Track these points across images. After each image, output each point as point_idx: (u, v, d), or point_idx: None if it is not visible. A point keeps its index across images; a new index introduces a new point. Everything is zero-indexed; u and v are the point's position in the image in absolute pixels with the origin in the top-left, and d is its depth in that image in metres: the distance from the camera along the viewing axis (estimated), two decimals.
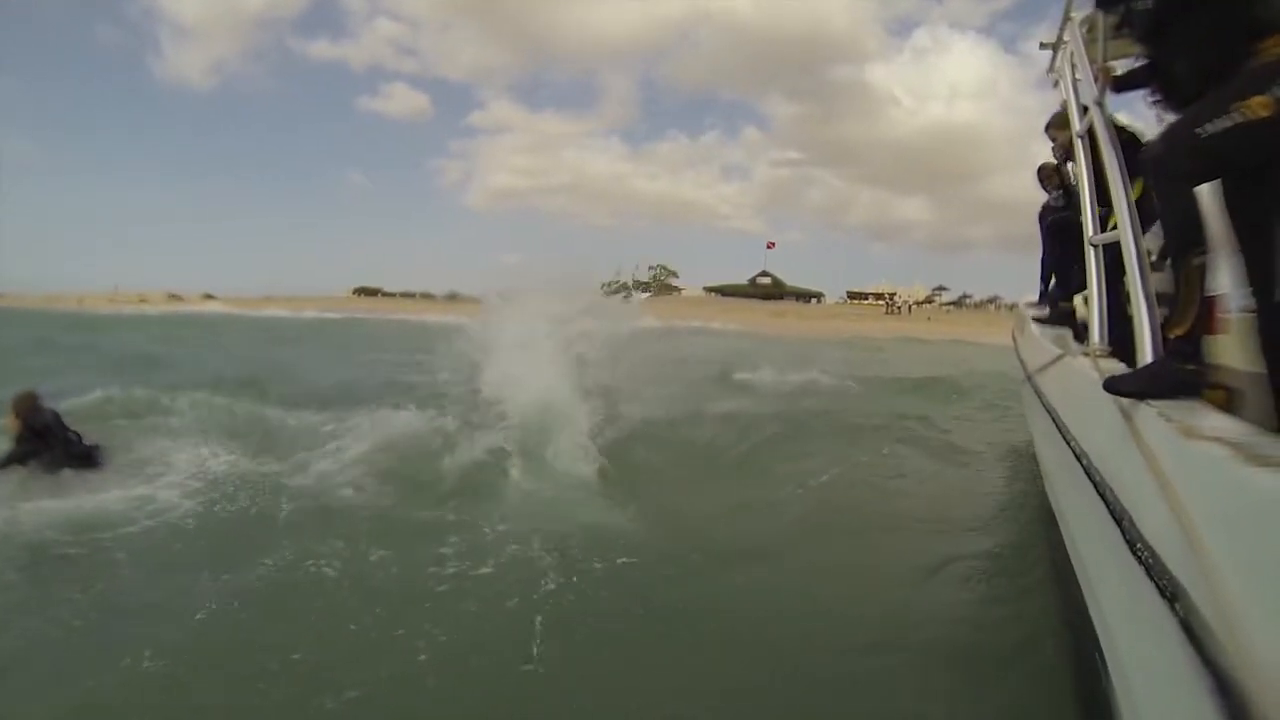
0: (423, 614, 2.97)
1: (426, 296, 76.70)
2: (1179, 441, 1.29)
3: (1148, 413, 1.53)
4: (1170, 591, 1.21)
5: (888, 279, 75.06)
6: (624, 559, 3.57)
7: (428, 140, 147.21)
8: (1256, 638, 0.93)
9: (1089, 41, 3.18)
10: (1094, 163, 2.77)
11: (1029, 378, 3.88)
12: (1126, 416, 1.64)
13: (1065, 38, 3.96)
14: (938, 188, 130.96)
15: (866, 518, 4.47)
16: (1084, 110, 2.98)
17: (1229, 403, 1.86)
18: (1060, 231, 4.26)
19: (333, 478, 4.83)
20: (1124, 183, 2.34)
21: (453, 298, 75.18)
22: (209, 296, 73.60)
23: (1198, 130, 1.71)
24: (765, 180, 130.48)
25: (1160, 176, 1.83)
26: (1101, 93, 2.79)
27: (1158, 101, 2.37)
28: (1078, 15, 3.59)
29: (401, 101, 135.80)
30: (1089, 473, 1.97)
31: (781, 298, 70.07)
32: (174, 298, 74.17)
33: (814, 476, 5.26)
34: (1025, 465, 5.50)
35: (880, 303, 68.16)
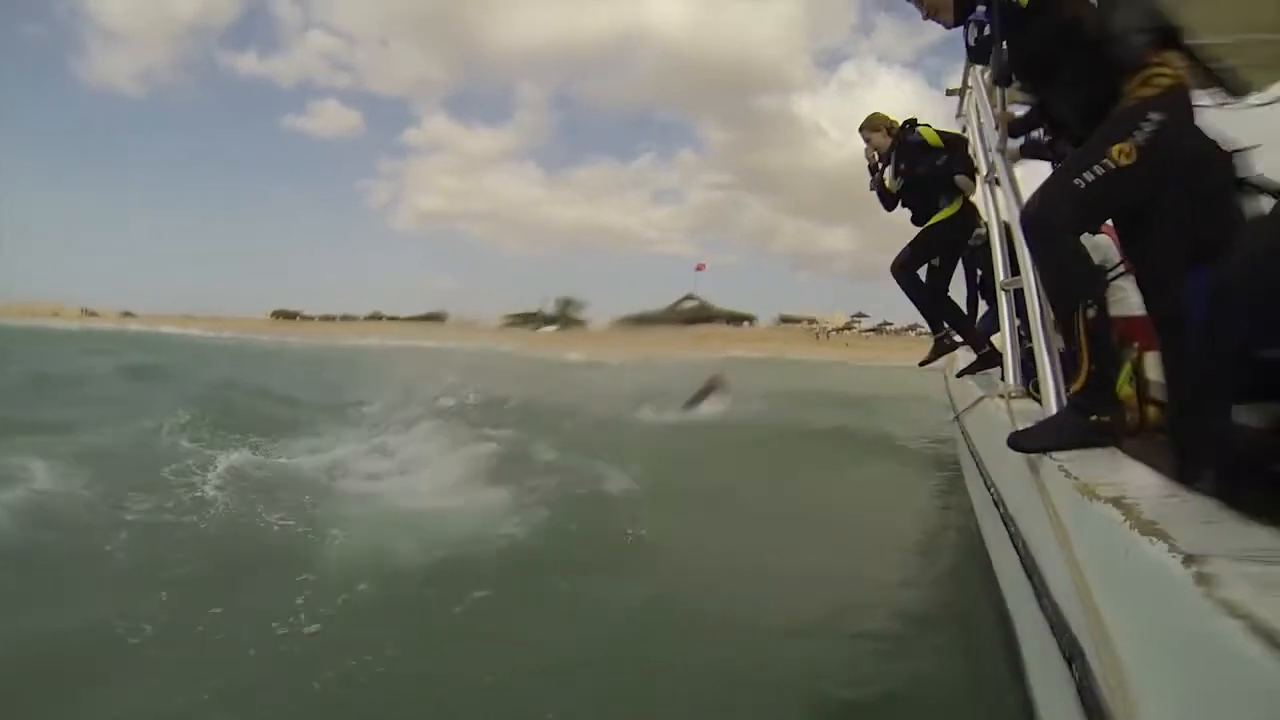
0: (242, 678, 2.64)
1: (348, 319, 75.43)
2: (1077, 499, 1.27)
3: (1050, 466, 1.50)
4: (1069, 652, 1.20)
5: (813, 305, 77.00)
6: (482, 596, 3.29)
7: (357, 159, 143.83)
8: (1144, 710, 0.91)
9: (991, 87, 3.16)
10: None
11: (957, 417, 3.85)
12: (1033, 468, 1.62)
13: (969, 83, 3.96)
14: (862, 218, 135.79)
15: (801, 555, 4.22)
16: (989, 156, 3.00)
17: (1162, 418, 1.92)
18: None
19: (183, 513, 4.39)
20: None
21: (375, 317, 74.61)
22: (128, 314, 69.75)
23: (1075, 182, 1.71)
24: (699, 203, 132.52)
25: (1040, 231, 1.80)
26: (1003, 139, 2.82)
27: (1051, 141, 2.41)
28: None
29: (332, 119, 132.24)
30: (1005, 521, 1.95)
31: (710, 320, 68.91)
32: (89, 314, 69.78)
33: (724, 516, 4.95)
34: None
35: (813, 327, 69.90)
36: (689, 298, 73.46)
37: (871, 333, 73.04)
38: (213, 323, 55.05)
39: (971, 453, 3.08)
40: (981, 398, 2.98)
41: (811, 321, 72.72)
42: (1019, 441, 1.69)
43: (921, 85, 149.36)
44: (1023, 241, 2.27)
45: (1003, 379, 2.78)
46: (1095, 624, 1.08)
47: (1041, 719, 1.61)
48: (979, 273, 4.58)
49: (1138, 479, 1.32)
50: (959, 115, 4.75)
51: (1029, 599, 1.54)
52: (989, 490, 2.37)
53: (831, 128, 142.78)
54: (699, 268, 77.41)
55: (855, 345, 57.70)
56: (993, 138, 2.91)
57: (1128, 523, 1.04)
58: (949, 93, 4.86)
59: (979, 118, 3.29)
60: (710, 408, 10.50)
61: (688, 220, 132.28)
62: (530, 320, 71.89)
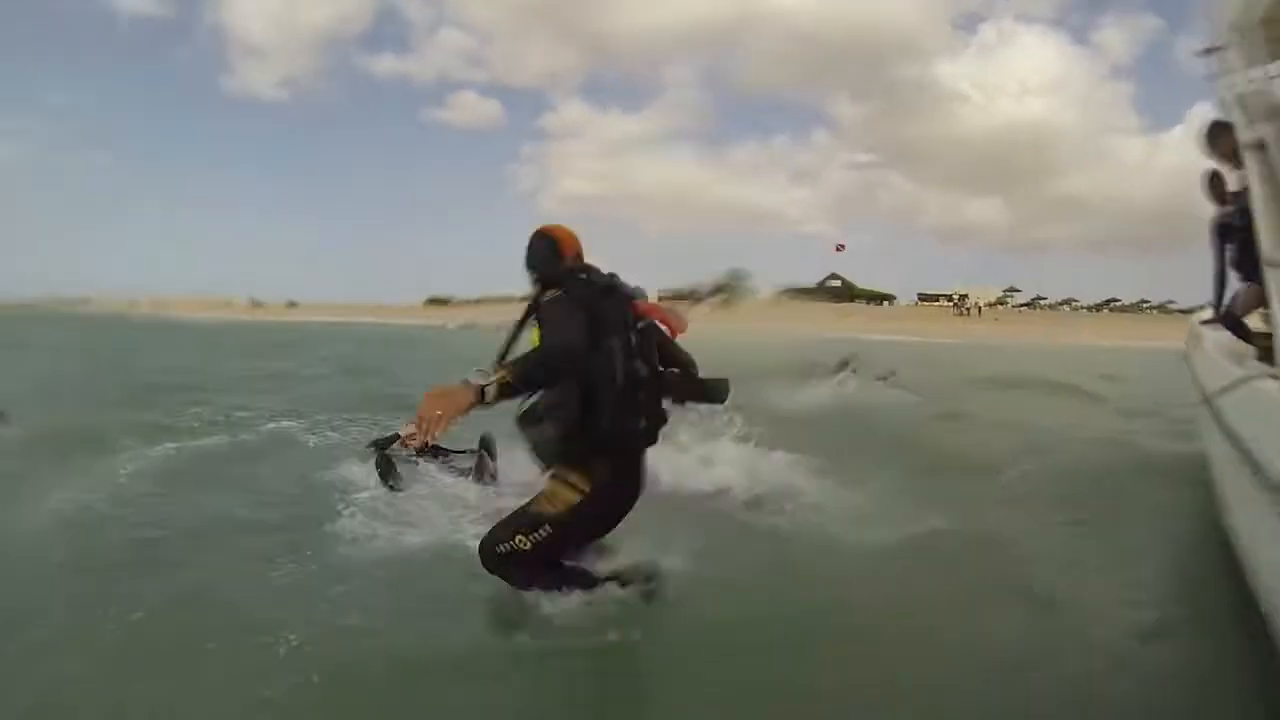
0: None
1: (502, 300, 79.81)
2: None
3: None
4: None
5: (962, 280, 73.41)
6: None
7: (499, 147, 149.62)
8: None
9: (1265, 39, 2.89)
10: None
11: (1206, 400, 3.49)
12: None
13: (1226, 41, 3.46)
14: (1011, 187, 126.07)
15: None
16: (1254, 121, 2.82)
17: None
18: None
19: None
20: None
21: (527, 298, 78.49)
22: (292, 304, 77.39)
23: None
24: (835, 183, 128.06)
25: None
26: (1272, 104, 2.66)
27: None
28: (1237, 13, 3.11)
29: (471, 109, 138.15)
30: None
31: (852, 299, 69.53)
32: (256, 304, 77.94)
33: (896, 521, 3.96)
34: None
35: (950, 304, 67.04)
36: (833, 276, 73.54)
37: (1025, 307, 69.14)
38: (372, 311, 58.46)
39: (1228, 435, 2.76)
40: (1245, 378, 2.66)
41: (950, 299, 69.06)
42: None
43: (1065, 43, 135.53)
44: None
45: (1261, 359, 2.76)
46: None
47: None
48: (1228, 248, 4.11)
49: None
50: (1216, 77, 4.21)
51: None
52: (1255, 473, 2.19)
53: (974, 92, 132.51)
54: (839, 248, 76.01)
55: (1006, 321, 54.36)
56: (1261, 101, 2.73)
57: None
58: (1203, 53, 4.23)
59: (1239, 79, 2.98)
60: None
61: (823, 200, 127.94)
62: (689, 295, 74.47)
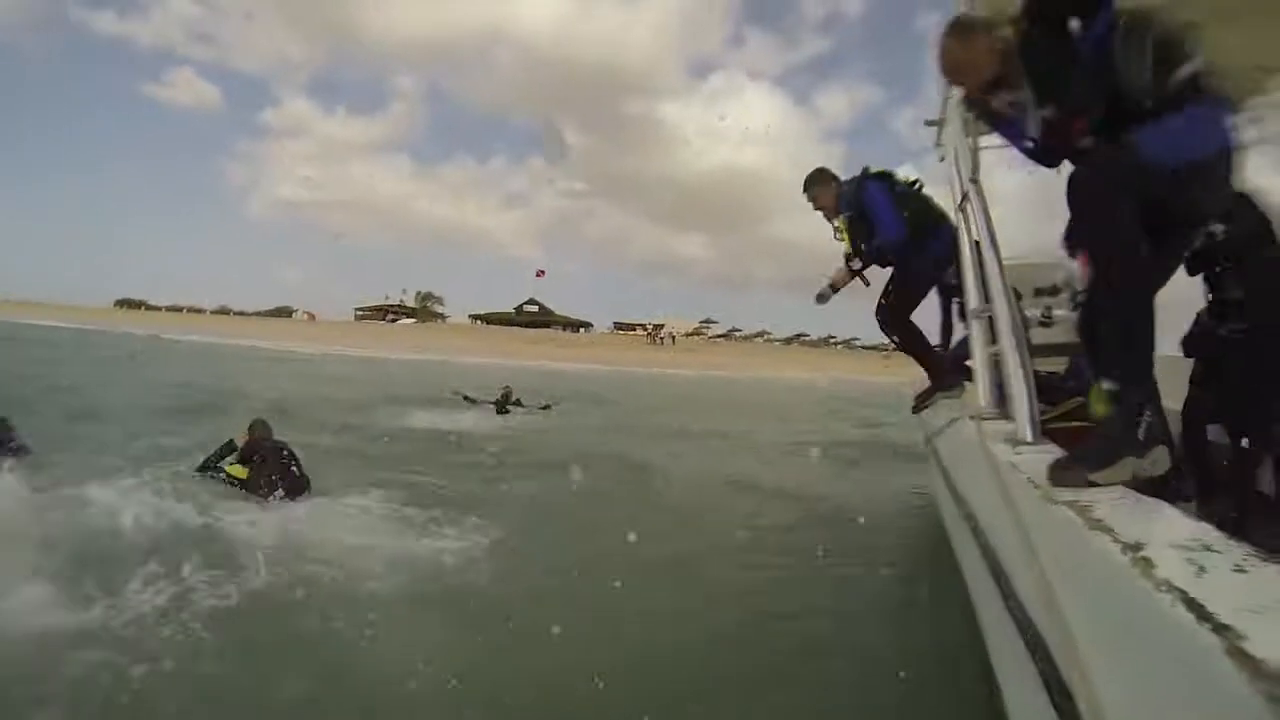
0: None
1: (195, 310, 72.48)
2: (1039, 504, 1.39)
3: (1018, 477, 1.59)
4: (1033, 646, 1.31)
5: (672, 311, 76.48)
6: None
7: (214, 137, 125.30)
8: (1105, 695, 0.97)
9: (967, 120, 3.18)
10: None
11: (928, 440, 4.19)
12: (1001, 479, 1.70)
13: (946, 115, 4.03)
14: (721, 227, 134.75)
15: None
16: (963, 184, 3.01)
17: None
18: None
19: None
20: (997, 256, 2.44)
21: (223, 311, 73.48)
22: None
23: None
24: (547, 209, 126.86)
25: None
26: (975, 170, 2.98)
27: None
28: (955, 94, 3.37)
29: (189, 90, 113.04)
30: (975, 533, 2.11)
31: (549, 326, 70.34)
32: None
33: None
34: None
35: (644, 334, 69.29)
36: (531, 302, 76.42)
37: (721, 338, 71.33)
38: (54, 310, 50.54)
39: (942, 471, 3.39)
40: (954, 419, 3.20)
41: (644, 328, 70.93)
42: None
43: (787, 101, 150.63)
44: (992, 270, 2.41)
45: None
46: (1056, 616, 1.16)
47: (1009, 707, 1.81)
48: (956, 300, 4.47)
49: (1107, 489, 1.43)
50: (937, 145, 4.74)
51: (996, 602, 1.68)
52: (958, 504, 2.59)
53: (696, 137, 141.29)
54: (539, 274, 74.94)
55: (699, 350, 55.69)
56: (967, 167, 3.02)
57: (1081, 521, 1.16)
58: (927, 123, 5.03)
59: (955, 149, 3.34)
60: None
61: (535, 225, 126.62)
62: (387, 312, 73.15)
